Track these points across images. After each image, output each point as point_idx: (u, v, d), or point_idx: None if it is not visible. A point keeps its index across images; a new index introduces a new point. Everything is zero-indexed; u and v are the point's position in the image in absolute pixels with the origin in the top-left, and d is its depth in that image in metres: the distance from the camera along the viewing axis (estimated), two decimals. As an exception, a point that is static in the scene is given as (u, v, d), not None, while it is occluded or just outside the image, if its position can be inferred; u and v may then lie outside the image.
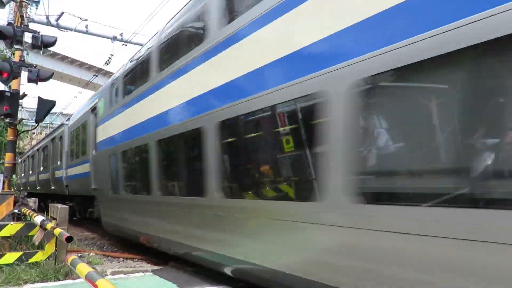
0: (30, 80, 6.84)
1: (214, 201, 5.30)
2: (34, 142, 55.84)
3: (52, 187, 16.80)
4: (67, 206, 6.20)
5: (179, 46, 6.79)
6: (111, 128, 8.85)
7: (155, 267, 7.01)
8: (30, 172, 24.71)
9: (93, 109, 10.51)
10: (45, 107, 7.04)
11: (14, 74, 6.47)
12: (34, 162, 23.24)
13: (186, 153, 6.62)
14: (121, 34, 17.80)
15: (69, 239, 3.80)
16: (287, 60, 4.10)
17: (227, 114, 5.02)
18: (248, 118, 4.86)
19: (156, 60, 7.22)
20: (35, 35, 6.57)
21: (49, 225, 4.72)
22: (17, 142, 8.49)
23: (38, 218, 5.09)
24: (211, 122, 5.31)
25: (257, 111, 4.60)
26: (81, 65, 53.61)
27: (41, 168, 20.13)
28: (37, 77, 6.75)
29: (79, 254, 8.54)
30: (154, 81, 7.13)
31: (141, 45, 19.00)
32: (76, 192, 13.32)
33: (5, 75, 6.43)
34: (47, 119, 47.14)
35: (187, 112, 6.02)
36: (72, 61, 52.74)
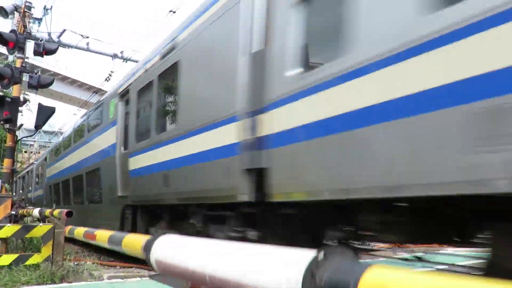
0: (30, 85, 6.94)
1: None
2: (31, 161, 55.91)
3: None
4: (64, 210, 6.20)
5: None
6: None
7: (153, 273, 6.95)
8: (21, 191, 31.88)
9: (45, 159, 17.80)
10: (44, 113, 7.12)
11: (14, 79, 6.57)
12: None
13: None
14: (121, 52, 18.07)
15: (70, 214, 3.81)
16: None
17: None
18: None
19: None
20: (38, 42, 6.73)
21: (47, 211, 4.74)
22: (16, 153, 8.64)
23: (36, 210, 5.10)
24: None
25: None
26: (81, 85, 54.16)
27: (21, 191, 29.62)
28: (38, 83, 6.85)
29: (76, 263, 8.47)
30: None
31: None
32: None
33: (6, 80, 6.54)
34: (46, 138, 47.24)
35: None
36: (73, 82, 53.32)
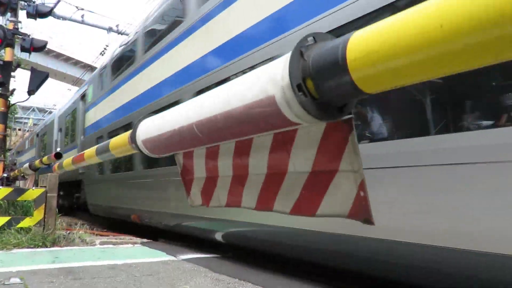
0: (23, 49, 6.81)
1: None
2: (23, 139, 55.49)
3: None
4: (56, 174, 6.14)
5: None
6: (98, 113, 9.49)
7: (145, 240, 6.96)
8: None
9: (83, 96, 11.19)
10: (38, 78, 6.99)
11: (7, 41, 6.43)
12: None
13: None
14: (117, 25, 17.77)
15: (58, 156, 3.75)
16: None
17: None
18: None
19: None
20: (30, 3, 6.56)
21: (37, 162, 4.70)
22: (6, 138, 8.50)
23: (27, 165, 5.04)
24: None
25: None
26: (76, 63, 53.49)
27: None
28: (31, 45, 6.72)
29: (68, 232, 8.46)
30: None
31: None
32: (64, 179, 13.22)
33: (-2, 41, 6.41)
34: (40, 116, 46.79)
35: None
36: (67, 59, 52.63)
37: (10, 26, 6.93)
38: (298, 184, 1.13)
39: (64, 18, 16.23)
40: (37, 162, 4.62)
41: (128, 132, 1.59)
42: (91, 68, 47.25)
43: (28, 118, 57.25)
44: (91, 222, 12.89)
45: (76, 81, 35.45)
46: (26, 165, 4.94)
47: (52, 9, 7.01)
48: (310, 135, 1.10)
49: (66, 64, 53.09)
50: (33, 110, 59.66)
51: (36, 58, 41.90)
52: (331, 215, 1.04)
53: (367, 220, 0.98)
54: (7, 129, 8.02)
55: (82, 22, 16.93)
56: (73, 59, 52.63)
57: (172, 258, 5.24)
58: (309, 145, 1.09)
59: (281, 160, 1.18)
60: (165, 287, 3.66)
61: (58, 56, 51.38)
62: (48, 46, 35.81)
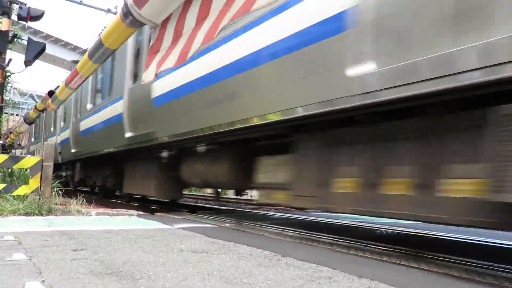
0: (20, 17, 6.72)
1: None
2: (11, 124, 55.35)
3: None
4: (53, 144, 6.11)
5: None
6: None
7: (141, 212, 6.96)
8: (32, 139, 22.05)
9: None
10: (35, 48, 6.90)
11: (3, 9, 6.34)
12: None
13: None
14: (115, 7, 17.62)
15: (51, 93, 3.70)
16: None
17: None
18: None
19: None
20: (22, 6, 6.45)
21: (32, 112, 4.64)
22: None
23: (21, 119, 4.99)
24: None
25: None
26: (75, 49, 53.10)
27: (32, 140, 19.31)
28: (28, 14, 6.63)
29: (64, 207, 8.44)
30: None
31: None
32: (66, 158, 12.72)
33: (-6, 9, 6.32)
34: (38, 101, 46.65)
35: None
36: (66, 44, 52.23)
37: (6, -6, 6.83)
38: None
39: (62, -2, 16.05)
40: (31, 112, 4.55)
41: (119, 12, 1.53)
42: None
43: (26, 102, 57.01)
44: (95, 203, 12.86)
45: (72, 66, 35.33)
46: (21, 119, 4.87)
47: (43, 12, 6.88)
48: None
49: (64, 49, 52.66)
50: (31, 95, 59.39)
51: (34, 43, 41.51)
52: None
53: None
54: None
55: (81, 3, 16.78)
56: (71, 44, 52.22)
57: (168, 226, 5.23)
58: None
59: None
60: (160, 248, 3.64)
61: (56, 41, 50.95)
62: (46, 32, 35.39)
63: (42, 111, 5.35)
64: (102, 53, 1.80)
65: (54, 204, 6.54)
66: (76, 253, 3.12)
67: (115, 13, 17.73)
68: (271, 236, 4.65)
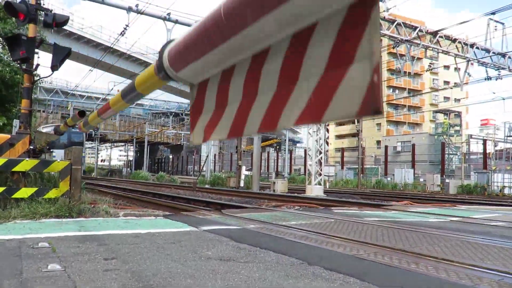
0: (46, 24, 6.87)
1: None
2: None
3: None
4: (80, 147, 6.25)
5: None
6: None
7: (167, 213, 7.07)
8: None
9: None
10: (61, 53, 7.06)
11: (30, 16, 6.49)
12: None
13: None
14: (136, 5, 17.78)
15: (82, 114, 3.78)
16: None
17: None
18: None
19: None
20: (47, 13, 6.59)
21: (62, 125, 4.74)
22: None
23: (51, 129, 5.13)
24: None
25: None
26: (97, 45, 54.04)
27: None
28: (54, 20, 6.77)
29: (93, 206, 8.67)
30: None
31: (154, 16, 19.07)
32: None
33: (21, 16, 6.47)
34: (62, 97, 47.69)
35: None
36: (88, 41, 53.20)
37: (33, 0, 6.98)
38: (306, 91, 1.04)
39: (85, -2, 16.32)
40: (62, 125, 4.68)
41: (153, 63, 1.56)
42: (111, 50, 47.61)
43: (51, 99, 58.24)
44: (114, 199, 13.18)
45: (96, 63, 35.85)
46: (51, 130, 4.99)
47: (68, 18, 7.03)
48: (330, 22, 0.98)
49: (87, 46, 53.68)
50: (56, 92, 60.58)
51: (58, 42, 42.51)
52: (339, 117, 0.93)
53: (377, 110, 0.86)
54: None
55: (102, 2, 16.98)
56: (93, 41, 53.18)
57: (194, 229, 5.31)
58: (326, 37, 0.97)
59: (294, 66, 1.10)
60: (187, 253, 3.70)
61: (79, 38, 51.97)
62: (69, 30, 36.17)
63: (72, 126, 5.48)
64: (134, 96, 1.83)
65: (83, 204, 6.72)
66: (108, 263, 3.20)
67: (136, 11, 17.91)
68: (296, 240, 4.66)
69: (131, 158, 76.89)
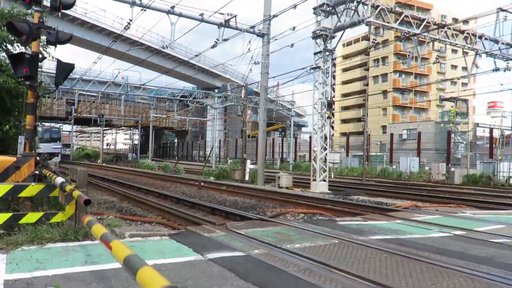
0: (48, 42, 6.82)
1: None
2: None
3: None
4: (86, 170, 6.28)
5: None
6: None
7: (172, 232, 7.13)
8: None
9: None
10: (64, 70, 7.03)
11: (33, 36, 6.44)
12: None
13: None
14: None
15: (87, 202, 3.81)
16: None
17: None
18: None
19: None
20: (50, 31, 6.51)
21: (68, 187, 4.78)
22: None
23: (58, 180, 5.16)
24: None
25: None
26: (101, 30, 53.70)
27: None
28: (56, 39, 6.72)
29: (98, 217, 8.77)
30: None
31: (160, 10, 18.83)
32: None
33: (24, 36, 6.42)
34: (68, 85, 47.69)
35: None
36: (92, 26, 52.82)
37: (36, 18, 6.91)
38: None
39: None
40: (67, 188, 4.67)
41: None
42: (116, 35, 47.24)
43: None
44: (120, 200, 13.30)
45: (105, 50, 35.56)
46: (58, 180, 5.01)
47: (71, 36, 6.98)
48: None
49: (91, 31, 53.33)
50: (61, 77, 60.32)
51: (61, 26, 42.14)
52: None
53: None
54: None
55: (106, -4, 16.75)
56: (97, 26, 52.81)
57: (199, 257, 5.35)
58: None
59: None
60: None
61: (83, 24, 51.60)
62: (72, 14, 36.11)
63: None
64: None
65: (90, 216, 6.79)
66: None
67: (140, 5, 17.69)
68: (300, 275, 4.69)
69: (136, 142, 77.28)
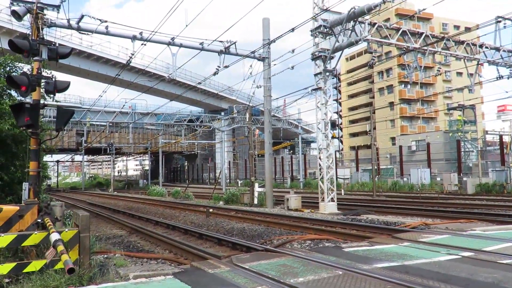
0: (47, 92, 7.04)
1: None
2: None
3: None
4: (88, 214, 6.38)
5: None
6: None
7: (176, 270, 7.14)
8: None
9: None
10: (64, 116, 7.23)
11: (32, 87, 6.65)
12: None
13: None
14: (140, 33, 17.94)
15: (71, 271, 3.89)
16: None
17: None
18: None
19: None
20: (51, 47, 6.74)
21: (60, 248, 4.84)
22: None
23: (54, 236, 5.24)
24: None
25: None
26: (107, 61, 54.83)
27: None
28: (54, 88, 6.92)
29: (105, 256, 8.84)
30: None
31: (161, 43, 19.22)
32: None
33: (23, 88, 6.62)
34: (76, 116, 48.47)
35: None
36: (98, 58, 53.97)
37: (35, 68, 7.14)
38: None
39: (89, 32, 16.56)
40: (59, 248, 4.75)
41: None
42: (121, 66, 48.11)
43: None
44: (129, 233, 13.36)
45: (112, 81, 36.13)
46: (54, 236, 5.09)
47: (71, 50, 7.20)
48: None
49: (97, 63, 54.53)
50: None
51: (68, 60, 43.06)
52: None
53: None
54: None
55: (107, 33, 17.20)
56: (103, 58, 53.97)
57: (201, 299, 5.36)
58: None
59: None
60: None
61: (89, 56, 52.78)
62: (78, 48, 37.09)
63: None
64: None
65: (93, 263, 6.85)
66: None
67: (141, 39, 18.10)
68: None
69: (147, 168, 77.74)
